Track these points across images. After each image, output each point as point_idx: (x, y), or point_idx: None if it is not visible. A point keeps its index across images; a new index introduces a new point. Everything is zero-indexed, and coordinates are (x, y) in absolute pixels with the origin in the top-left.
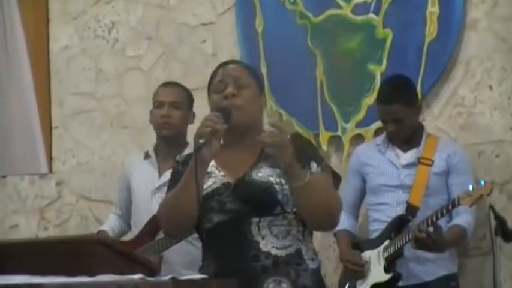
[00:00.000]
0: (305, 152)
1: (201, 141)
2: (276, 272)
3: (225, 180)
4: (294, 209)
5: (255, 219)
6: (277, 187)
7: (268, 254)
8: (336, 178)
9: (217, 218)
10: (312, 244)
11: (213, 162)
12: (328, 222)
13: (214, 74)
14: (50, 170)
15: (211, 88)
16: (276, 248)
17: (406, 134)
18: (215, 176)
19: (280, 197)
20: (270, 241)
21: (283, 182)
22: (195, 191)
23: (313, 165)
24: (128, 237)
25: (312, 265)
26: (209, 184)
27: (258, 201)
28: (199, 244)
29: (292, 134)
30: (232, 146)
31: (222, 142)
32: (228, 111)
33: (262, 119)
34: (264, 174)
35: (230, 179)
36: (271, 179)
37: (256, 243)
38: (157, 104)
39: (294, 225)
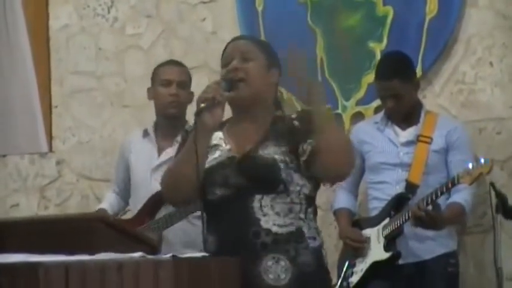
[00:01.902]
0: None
1: (202, 105)
2: (275, 250)
3: (230, 154)
4: (298, 188)
5: (258, 196)
6: (281, 165)
7: (268, 231)
8: None
9: (220, 192)
10: (314, 223)
11: (220, 135)
12: (345, 163)
13: (224, 50)
14: (50, 149)
15: (221, 63)
16: (277, 225)
17: (404, 110)
18: (221, 150)
19: (284, 175)
20: (271, 218)
21: (287, 160)
22: (194, 154)
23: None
24: (127, 216)
25: (312, 244)
26: (215, 156)
27: (262, 178)
28: (198, 222)
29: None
30: (240, 119)
31: (232, 115)
32: (231, 80)
33: (271, 92)
34: (270, 151)
35: (235, 153)
36: (276, 156)
37: (257, 220)
38: (165, 83)
39: (297, 204)
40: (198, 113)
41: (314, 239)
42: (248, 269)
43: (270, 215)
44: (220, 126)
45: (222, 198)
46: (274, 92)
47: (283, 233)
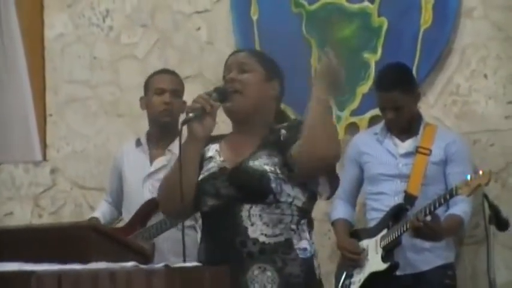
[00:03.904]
0: None
1: (190, 114)
2: (261, 259)
3: (223, 165)
4: (290, 199)
5: (247, 206)
6: (271, 175)
7: (255, 241)
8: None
9: (212, 202)
10: (307, 235)
11: (217, 147)
12: (326, 154)
13: (225, 62)
14: (45, 158)
15: (223, 75)
16: (265, 235)
17: (404, 121)
18: (215, 161)
19: (273, 185)
20: (259, 228)
21: (278, 171)
22: (179, 166)
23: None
24: (119, 225)
25: (302, 255)
26: (208, 168)
27: (251, 189)
28: (191, 232)
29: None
30: (237, 131)
31: (232, 127)
32: (224, 91)
33: (271, 105)
34: (261, 162)
35: (228, 164)
36: (266, 167)
37: (245, 229)
38: (159, 92)
39: (288, 215)
40: (185, 123)
41: (305, 250)
42: (235, 278)
43: (258, 224)
44: (218, 139)
45: (214, 209)
46: (274, 104)
47: (271, 242)
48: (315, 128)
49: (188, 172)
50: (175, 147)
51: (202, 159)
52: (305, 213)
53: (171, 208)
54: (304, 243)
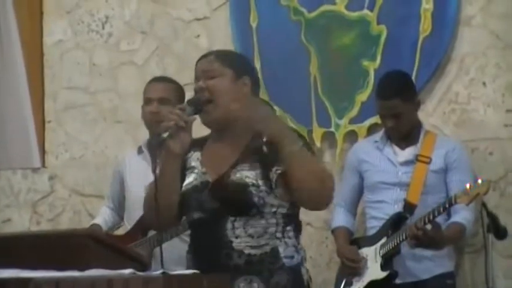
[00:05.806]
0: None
1: (164, 135)
2: (248, 271)
3: (205, 179)
4: (274, 209)
5: (231, 218)
6: (252, 189)
7: (241, 253)
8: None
9: (196, 215)
10: (294, 240)
11: (199, 156)
12: (321, 192)
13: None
14: (43, 164)
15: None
16: (250, 246)
17: (404, 129)
18: (197, 173)
19: (255, 199)
20: (244, 240)
21: (260, 183)
22: (163, 182)
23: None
24: (120, 232)
25: (289, 263)
26: (190, 181)
27: (234, 203)
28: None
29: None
30: (217, 139)
31: (210, 134)
32: (197, 102)
33: (247, 104)
34: (242, 175)
35: (210, 177)
36: (247, 180)
37: (229, 242)
38: (146, 101)
39: (273, 224)
40: (160, 144)
41: (291, 257)
42: None
43: (243, 236)
44: (200, 145)
45: (199, 221)
46: (246, 100)
47: (257, 254)
48: (305, 179)
49: (169, 188)
50: None
51: (184, 168)
52: (291, 218)
53: (156, 223)
54: (290, 251)
